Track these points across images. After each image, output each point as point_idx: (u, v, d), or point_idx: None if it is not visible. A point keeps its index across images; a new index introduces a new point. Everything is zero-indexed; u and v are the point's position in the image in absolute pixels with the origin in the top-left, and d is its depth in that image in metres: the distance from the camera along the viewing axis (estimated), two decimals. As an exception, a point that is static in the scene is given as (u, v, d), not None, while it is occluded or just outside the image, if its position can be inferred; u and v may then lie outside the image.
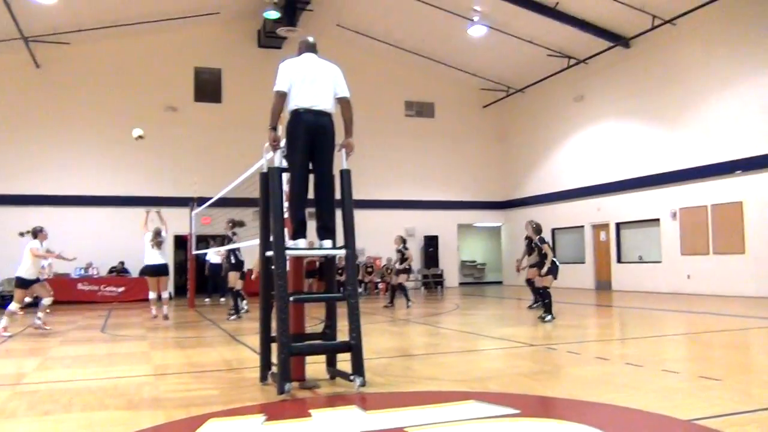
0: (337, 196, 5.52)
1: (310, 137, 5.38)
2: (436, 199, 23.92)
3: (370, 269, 20.99)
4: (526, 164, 23.89)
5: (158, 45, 20.94)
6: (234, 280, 12.59)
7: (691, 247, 16.74)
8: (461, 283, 24.79)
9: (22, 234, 10.60)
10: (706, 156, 16.28)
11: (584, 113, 20.82)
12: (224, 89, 21.83)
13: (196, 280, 16.54)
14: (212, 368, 6.70)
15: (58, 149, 19.76)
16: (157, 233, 11.87)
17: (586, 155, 20.76)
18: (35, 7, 16.95)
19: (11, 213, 18.60)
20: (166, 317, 11.66)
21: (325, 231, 5.47)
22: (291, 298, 5.14)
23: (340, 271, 10.17)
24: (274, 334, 5.35)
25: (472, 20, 19.23)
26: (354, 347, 5.11)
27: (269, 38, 20.82)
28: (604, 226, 19.96)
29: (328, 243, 5.46)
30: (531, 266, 12.45)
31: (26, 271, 10.30)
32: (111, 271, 19.56)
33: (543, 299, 10.67)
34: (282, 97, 5.37)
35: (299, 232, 5.40)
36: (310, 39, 5.79)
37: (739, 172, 15.42)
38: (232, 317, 12.12)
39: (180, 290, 20.17)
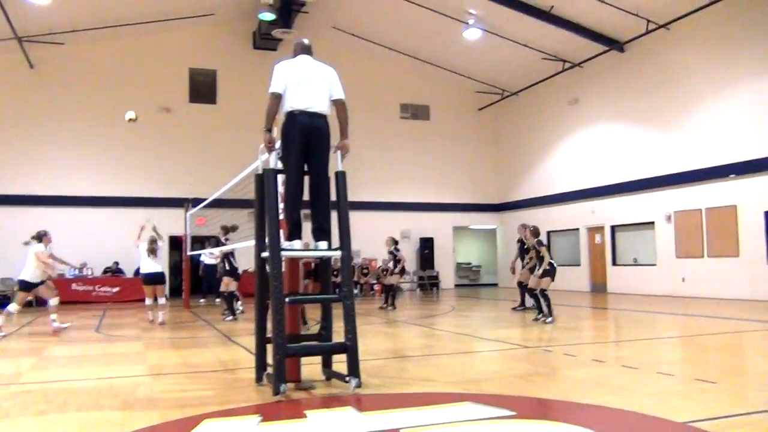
0: (333, 197, 5.53)
1: (306, 139, 5.38)
2: (432, 201, 23.94)
3: (365, 271, 20.99)
4: (521, 167, 23.94)
5: (153, 46, 20.89)
6: (228, 283, 12.59)
7: (686, 250, 16.79)
8: (457, 285, 24.81)
9: (27, 243, 10.53)
10: (701, 160, 16.34)
11: (579, 116, 20.88)
12: (219, 90, 21.80)
13: (191, 280, 16.50)
14: (207, 369, 6.68)
15: (51, 150, 19.67)
16: (153, 240, 11.85)
17: (580, 158, 20.82)
18: (29, 7, 16.90)
19: (3, 213, 18.56)
20: (162, 323, 11.61)
21: (321, 232, 5.47)
22: (286, 299, 5.14)
23: (335, 273, 10.17)
24: (269, 335, 5.35)
25: (467, 23, 19.27)
26: (349, 348, 5.11)
27: (264, 40, 20.78)
28: (599, 229, 20.02)
29: (323, 244, 5.46)
30: (523, 268, 12.49)
31: (30, 274, 10.25)
32: (105, 271, 19.50)
33: (538, 302, 10.69)
34: (277, 98, 5.37)
35: (294, 234, 5.41)
36: (305, 41, 5.80)
37: (733, 176, 15.48)
38: (228, 318, 12.11)
39: (175, 291, 20.11)
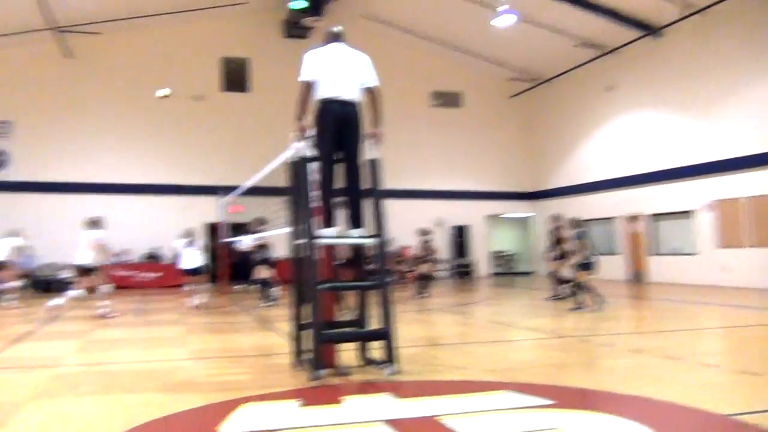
0: (367, 185, 5.52)
1: (337, 127, 5.40)
2: (465, 189, 23.81)
3: (400, 259, 20.96)
4: (556, 155, 23.60)
5: (187, 35, 21.14)
6: (261, 271, 12.79)
7: (727, 240, 16.37)
8: (492, 273, 24.65)
9: (92, 224, 10.68)
10: (742, 147, 15.86)
11: (615, 103, 20.45)
12: (251, 79, 21.96)
13: (227, 267, 16.74)
14: (245, 354, 6.79)
15: (89, 138, 20.06)
16: (189, 233, 12.12)
17: (617, 146, 20.42)
18: (69, -1, 17.27)
19: (48, 200, 19.07)
20: (200, 307, 11.90)
21: (355, 220, 5.50)
22: (322, 286, 5.17)
23: (368, 260, 10.19)
24: (304, 321, 5.40)
25: (500, 10, 18.97)
26: (386, 335, 5.12)
27: (295, 28, 20.88)
28: (637, 218, 19.64)
29: (358, 232, 5.48)
30: (555, 259, 12.38)
31: (87, 259, 10.48)
32: (144, 257, 19.91)
33: (575, 292, 10.55)
34: (307, 86, 5.40)
35: (329, 221, 5.43)
36: (336, 29, 5.79)
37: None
38: (264, 305, 12.28)
39: (212, 277, 20.43)
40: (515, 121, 24.83)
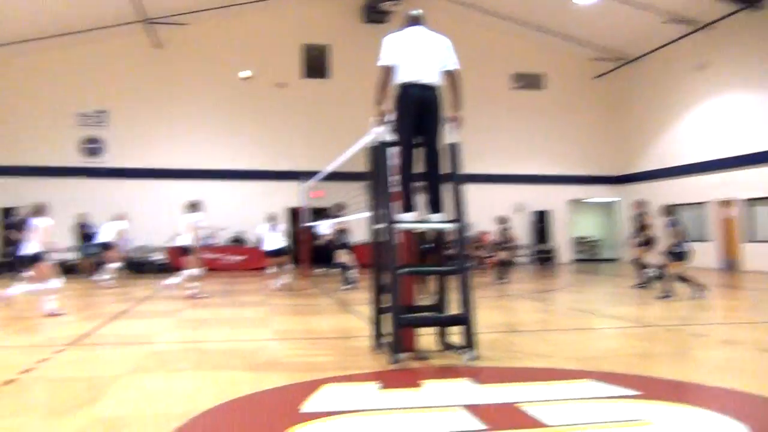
0: (446, 170, 5.49)
1: (417, 111, 5.39)
2: (546, 174, 23.22)
3: (479, 244, 20.76)
4: (642, 137, 22.57)
5: (268, 23, 21.63)
6: (341, 255, 13.04)
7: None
8: (574, 260, 24.02)
9: (191, 207, 11.26)
10: None
11: (708, 82, 19.26)
12: (331, 65, 22.23)
13: (309, 251, 17.15)
14: (326, 336, 6.96)
15: (175, 126, 20.88)
16: (272, 217, 12.56)
17: (709, 128, 19.27)
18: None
19: (135, 185, 20.08)
20: (282, 288, 12.37)
21: (435, 204, 5.49)
22: (402, 271, 5.21)
23: (447, 245, 10.17)
24: (384, 305, 5.46)
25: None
26: (465, 320, 5.11)
27: (374, 13, 20.96)
28: (731, 203, 18.54)
29: (437, 216, 5.47)
30: (640, 245, 11.93)
31: (188, 240, 11.07)
32: (229, 241, 20.68)
33: (658, 279, 10.13)
34: (386, 71, 5.40)
35: (408, 206, 5.45)
36: (415, 12, 5.75)
37: None
38: (344, 288, 12.53)
39: (294, 260, 21.01)
40: (599, 102, 23.92)
